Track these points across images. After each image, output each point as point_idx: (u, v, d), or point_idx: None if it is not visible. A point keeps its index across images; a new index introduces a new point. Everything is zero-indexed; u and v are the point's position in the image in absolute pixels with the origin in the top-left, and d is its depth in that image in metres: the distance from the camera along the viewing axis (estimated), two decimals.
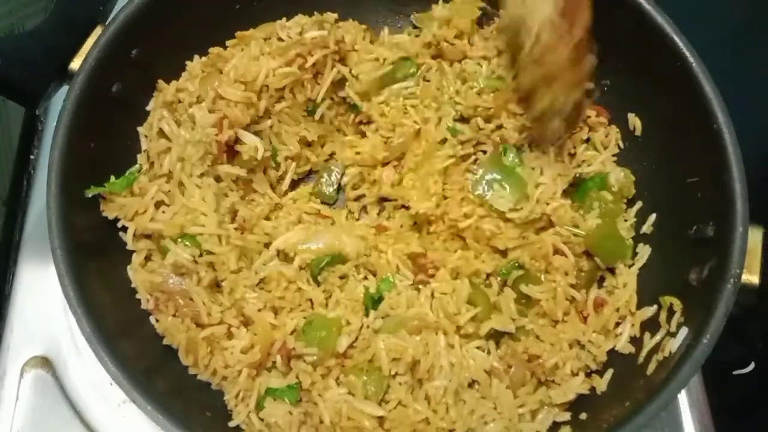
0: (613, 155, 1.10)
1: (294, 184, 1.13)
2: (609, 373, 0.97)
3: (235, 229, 1.01)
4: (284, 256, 1.03)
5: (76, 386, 1.05)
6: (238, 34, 1.11)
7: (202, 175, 1.01)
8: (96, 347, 0.85)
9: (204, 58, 1.09)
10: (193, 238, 0.97)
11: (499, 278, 1.02)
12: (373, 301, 0.99)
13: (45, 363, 1.05)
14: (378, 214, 1.10)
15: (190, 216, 0.98)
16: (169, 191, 1.01)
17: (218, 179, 1.03)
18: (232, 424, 0.93)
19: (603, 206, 1.04)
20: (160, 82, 1.06)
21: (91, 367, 1.02)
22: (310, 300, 1.01)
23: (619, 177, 1.07)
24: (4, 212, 1.19)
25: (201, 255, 0.97)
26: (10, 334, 1.07)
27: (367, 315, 0.99)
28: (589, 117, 1.11)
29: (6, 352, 1.06)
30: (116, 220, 0.99)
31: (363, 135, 1.13)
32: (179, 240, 0.97)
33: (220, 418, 0.93)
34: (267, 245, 1.04)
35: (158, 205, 1.00)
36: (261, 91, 1.04)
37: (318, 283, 1.02)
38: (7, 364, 1.05)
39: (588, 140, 1.12)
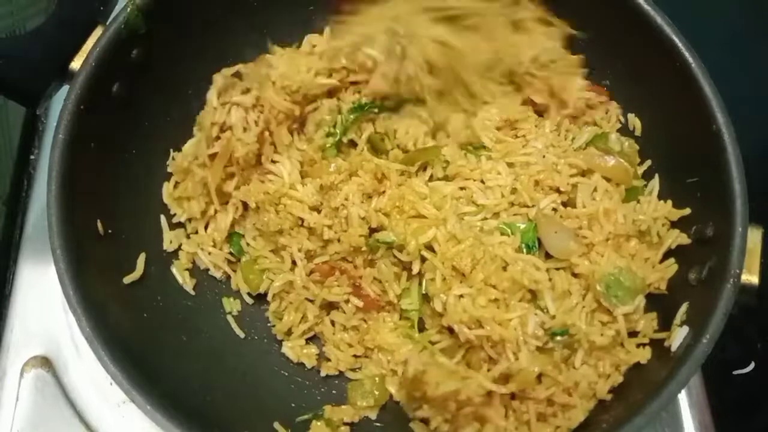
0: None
1: None
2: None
3: None
4: None
5: (76, 386, 1.05)
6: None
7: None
8: (96, 347, 0.85)
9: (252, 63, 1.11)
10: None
11: None
12: None
13: (45, 363, 1.06)
14: None
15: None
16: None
17: None
18: None
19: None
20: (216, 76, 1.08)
21: (91, 367, 1.03)
22: None
23: (621, 142, 1.05)
24: (4, 212, 1.19)
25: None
26: (10, 334, 1.07)
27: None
28: (589, 99, 1.10)
29: (6, 352, 1.06)
30: (115, 218, 1.00)
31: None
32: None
33: (220, 419, 0.93)
34: None
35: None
36: (303, 99, 1.08)
37: None
38: (7, 364, 1.06)
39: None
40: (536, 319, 0.93)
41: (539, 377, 0.92)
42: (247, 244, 1.08)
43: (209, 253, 1.07)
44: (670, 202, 1.02)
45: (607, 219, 0.99)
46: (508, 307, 0.94)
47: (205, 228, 1.09)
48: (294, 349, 1.05)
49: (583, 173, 1.04)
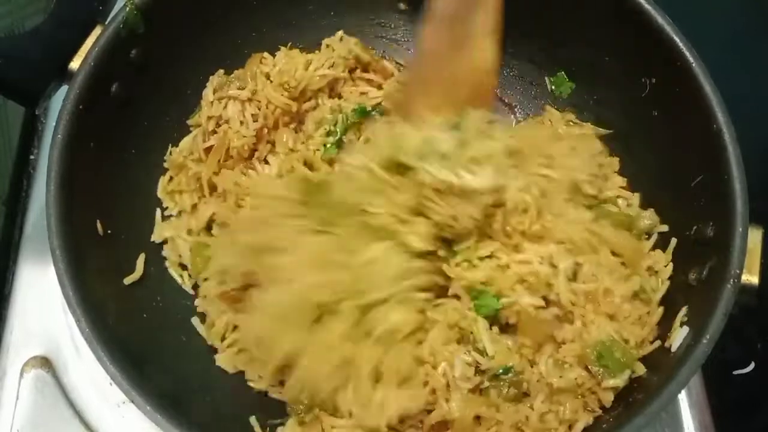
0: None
1: None
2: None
3: None
4: None
5: (76, 386, 1.05)
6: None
7: None
8: (95, 347, 0.85)
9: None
10: None
11: None
12: None
13: (45, 363, 1.06)
14: None
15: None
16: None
17: None
18: None
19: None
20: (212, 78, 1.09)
21: (91, 367, 1.02)
22: None
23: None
24: (3, 212, 1.19)
25: None
26: (10, 334, 1.07)
27: None
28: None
29: (6, 352, 1.06)
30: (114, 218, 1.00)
31: None
32: None
33: (220, 420, 0.94)
34: None
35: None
36: (300, 96, 1.08)
37: None
38: (7, 364, 1.06)
39: None
40: (465, 359, 0.87)
41: (477, 419, 0.87)
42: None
43: (184, 240, 1.05)
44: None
45: (605, 297, 0.92)
46: (434, 351, 0.88)
47: None
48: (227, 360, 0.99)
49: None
